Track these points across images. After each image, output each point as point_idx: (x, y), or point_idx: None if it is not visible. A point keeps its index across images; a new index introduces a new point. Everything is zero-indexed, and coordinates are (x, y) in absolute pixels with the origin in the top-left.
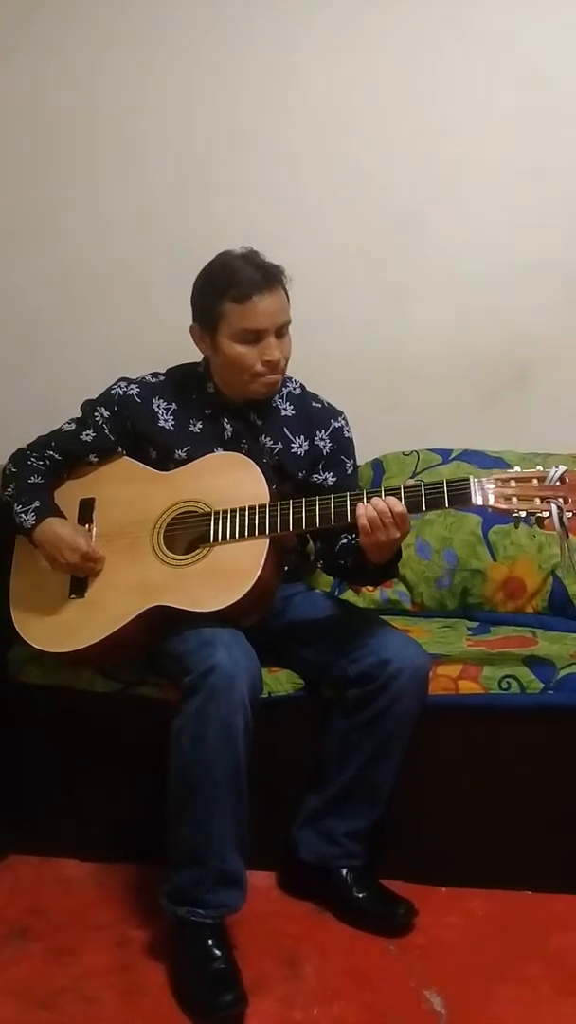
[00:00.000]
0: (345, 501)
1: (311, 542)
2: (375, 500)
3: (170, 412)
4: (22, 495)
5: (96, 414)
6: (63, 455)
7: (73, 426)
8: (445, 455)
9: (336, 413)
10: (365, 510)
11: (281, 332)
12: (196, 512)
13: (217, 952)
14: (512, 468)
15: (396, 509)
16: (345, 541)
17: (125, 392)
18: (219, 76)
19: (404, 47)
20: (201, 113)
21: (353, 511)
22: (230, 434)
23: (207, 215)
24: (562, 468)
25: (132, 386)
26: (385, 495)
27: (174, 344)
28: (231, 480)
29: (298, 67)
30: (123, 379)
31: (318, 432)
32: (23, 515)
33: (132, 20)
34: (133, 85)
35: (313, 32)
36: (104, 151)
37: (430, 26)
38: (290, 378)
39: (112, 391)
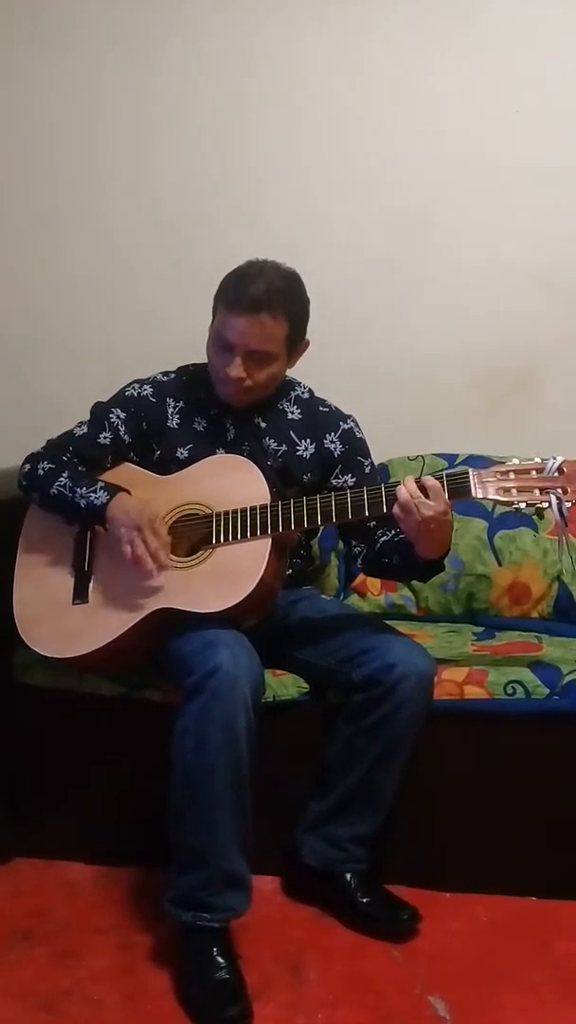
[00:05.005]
0: (346, 497)
1: (316, 545)
2: (407, 480)
3: (177, 410)
4: (81, 479)
5: (112, 415)
6: (81, 460)
7: (86, 429)
8: (451, 460)
9: (344, 416)
10: (399, 492)
11: (253, 357)
12: (198, 514)
13: (222, 961)
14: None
15: (428, 483)
16: (386, 538)
17: (139, 393)
18: (226, 77)
19: (412, 49)
20: (207, 115)
21: (354, 508)
22: (232, 435)
23: (212, 218)
24: (560, 458)
25: (145, 386)
26: (385, 492)
27: (178, 347)
28: (232, 482)
29: (305, 69)
30: (136, 381)
31: (327, 436)
32: (91, 495)
33: (138, 18)
34: (139, 85)
35: (320, 34)
36: (109, 152)
37: (438, 27)
38: (299, 383)
39: (127, 392)
